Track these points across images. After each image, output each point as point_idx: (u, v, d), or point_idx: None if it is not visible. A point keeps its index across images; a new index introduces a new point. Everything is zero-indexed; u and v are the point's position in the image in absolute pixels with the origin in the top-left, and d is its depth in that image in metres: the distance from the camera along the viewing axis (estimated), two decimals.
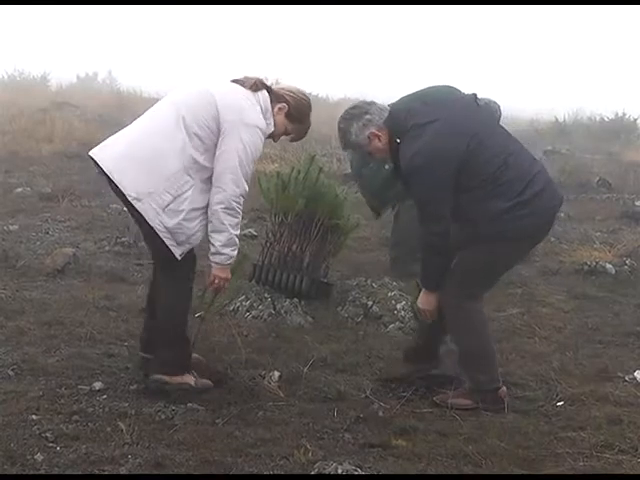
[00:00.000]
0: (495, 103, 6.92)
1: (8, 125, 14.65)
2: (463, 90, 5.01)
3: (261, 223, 9.02)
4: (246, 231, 8.83)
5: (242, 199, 4.60)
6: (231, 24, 48.10)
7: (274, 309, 6.37)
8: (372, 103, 4.89)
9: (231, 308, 6.38)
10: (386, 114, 4.79)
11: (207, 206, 4.60)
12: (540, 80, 38.61)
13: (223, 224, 4.56)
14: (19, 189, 10.44)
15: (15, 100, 18.38)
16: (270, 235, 6.71)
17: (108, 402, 4.60)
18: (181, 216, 4.55)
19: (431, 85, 5.00)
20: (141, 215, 4.56)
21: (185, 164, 4.53)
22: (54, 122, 14.80)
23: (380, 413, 4.68)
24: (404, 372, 5.17)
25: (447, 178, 4.61)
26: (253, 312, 6.36)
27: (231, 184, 4.53)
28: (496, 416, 4.72)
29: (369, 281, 6.94)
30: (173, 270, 4.72)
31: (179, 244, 4.60)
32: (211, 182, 4.58)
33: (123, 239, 7.99)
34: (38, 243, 8.10)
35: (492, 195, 4.64)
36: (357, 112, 4.83)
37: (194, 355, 4.96)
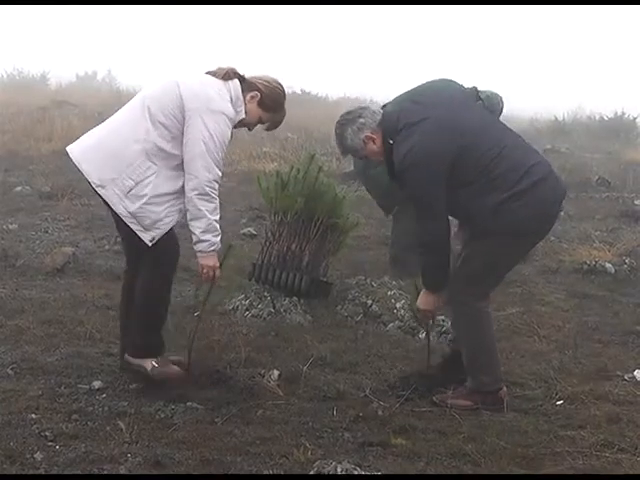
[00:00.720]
0: (497, 96, 6.90)
1: (7, 124, 14.66)
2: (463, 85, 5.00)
3: (260, 222, 9.03)
4: (245, 230, 8.84)
5: (216, 184, 4.63)
6: (230, 23, 48.09)
7: (273, 308, 6.37)
8: (366, 107, 4.94)
9: (230, 307, 6.40)
10: (379, 117, 4.82)
11: (176, 192, 4.65)
12: (539, 79, 38.57)
13: (200, 210, 4.60)
14: (18, 188, 10.43)
15: (14, 99, 18.38)
16: (269, 234, 6.71)
17: (107, 401, 4.60)
18: (143, 200, 4.62)
19: (428, 80, 5.00)
20: (106, 203, 4.67)
21: (148, 151, 4.61)
22: (53, 121, 14.80)
23: (379, 412, 4.67)
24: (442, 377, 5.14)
25: (439, 175, 4.62)
26: (252, 311, 6.36)
27: (202, 170, 4.57)
28: (495, 415, 4.72)
29: (368, 280, 6.95)
30: (155, 261, 4.76)
31: (146, 229, 4.66)
32: (180, 169, 4.64)
33: None
34: (37, 242, 8.10)
35: (488, 189, 4.64)
36: (351, 117, 4.86)
37: (175, 358, 4.99)
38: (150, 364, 4.82)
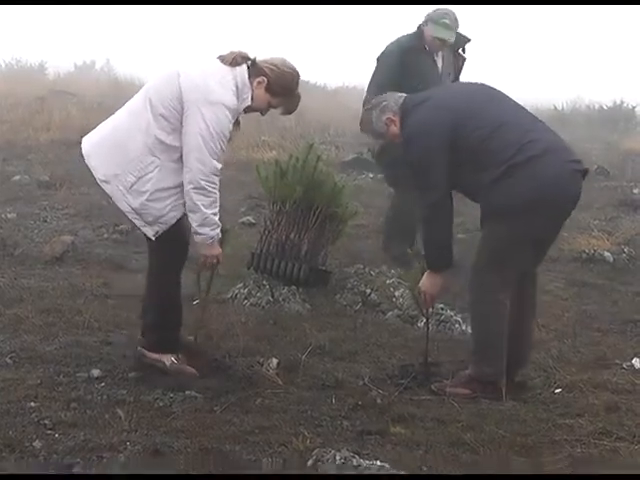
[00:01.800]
0: None
1: (6, 114, 14.60)
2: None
3: (259, 211, 9.00)
4: (244, 219, 8.82)
5: (214, 177, 4.59)
6: (227, 10, 47.97)
7: (272, 297, 6.38)
8: (392, 93, 5.20)
9: (229, 295, 6.40)
10: (401, 101, 5.05)
11: (181, 185, 4.62)
12: (538, 71, 38.51)
13: (195, 204, 4.58)
14: (17, 177, 10.39)
15: (13, 89, 18.29)
16: (268, 223, 6.71)
17: (106, 389, 4.60)
18: (144, 197, 4.62)
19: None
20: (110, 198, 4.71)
21: (149, 145, 4.60)
22: (52, 110, 14.74)
23: (378, 400, 4.67)
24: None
25: (437, 150, 4.78)
26: (251, 300, 6.36)
27: (197, 163, 4.53)
28: (494, 404, 4.72)
29: (367, 269, 6.95)
30: (162, 255, 4.79)
31: (149, 224, 4.67)
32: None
33: (121, 226, 7.97)
34: (36, 231, 8.09)
35: (482, 166, 4.74)
36: (376, 101, 5.17)
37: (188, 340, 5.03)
38: (169, 359, 4.86)
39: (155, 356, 4.86)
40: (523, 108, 5.01)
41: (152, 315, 4.88)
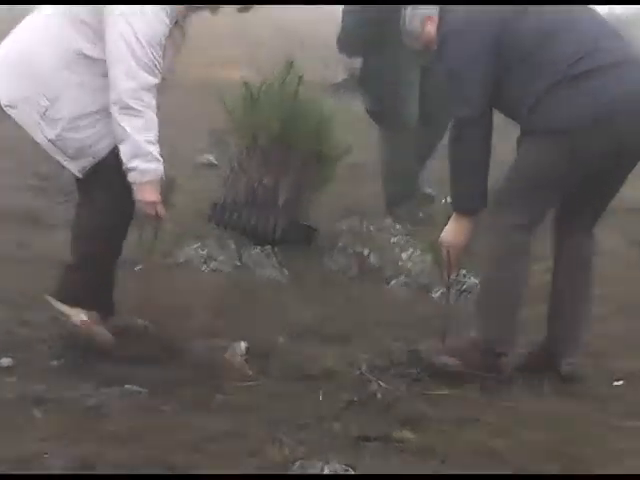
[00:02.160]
0: None
1: None
2: None
3: (223, 148, 8.95)
4: (203, 158, 8.83)
5: (144, 94, 4.60)
6: None
7: (240, 260, 6.42)
8: None
9: (182, 259, 6.43)
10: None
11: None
12: None
13: (122, 128, 4.60)
14: None
15: None
16: (235, 164, 6.77)
17: (19, 384, 4.56)
18: (60, 125, 4.67)
19: None
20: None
21: (66, 59, 4.65)
22: None
23: (379, 396, 4.65)
24: None
25: (479, 52, 4.82)
26: (212, 264, 6.41)
27: (122, 76, 4.57)
28: (531, 399, 4.70)
29: (365, 223, 6.96)
30: (95, 198, 4.83)
31: (72, 158, 4.73)
32: None
33: (40, 170, 7.90)
34: None
35: (531, 78, 4.72)
36: (413, 4, 5.19)
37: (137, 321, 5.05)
38: (80, 316, 4.85)
39: (63, 308, 4.88)
40: (591, 9, 4.98)
41: (74, 258, 4.92)
